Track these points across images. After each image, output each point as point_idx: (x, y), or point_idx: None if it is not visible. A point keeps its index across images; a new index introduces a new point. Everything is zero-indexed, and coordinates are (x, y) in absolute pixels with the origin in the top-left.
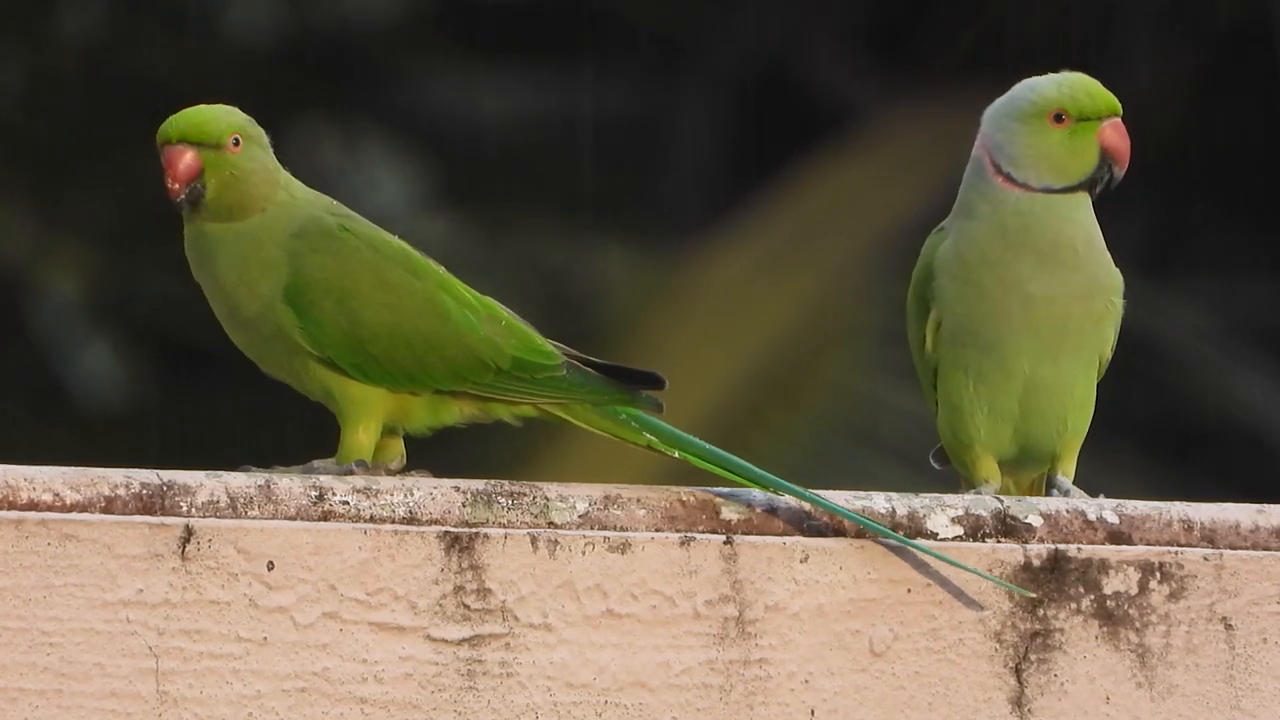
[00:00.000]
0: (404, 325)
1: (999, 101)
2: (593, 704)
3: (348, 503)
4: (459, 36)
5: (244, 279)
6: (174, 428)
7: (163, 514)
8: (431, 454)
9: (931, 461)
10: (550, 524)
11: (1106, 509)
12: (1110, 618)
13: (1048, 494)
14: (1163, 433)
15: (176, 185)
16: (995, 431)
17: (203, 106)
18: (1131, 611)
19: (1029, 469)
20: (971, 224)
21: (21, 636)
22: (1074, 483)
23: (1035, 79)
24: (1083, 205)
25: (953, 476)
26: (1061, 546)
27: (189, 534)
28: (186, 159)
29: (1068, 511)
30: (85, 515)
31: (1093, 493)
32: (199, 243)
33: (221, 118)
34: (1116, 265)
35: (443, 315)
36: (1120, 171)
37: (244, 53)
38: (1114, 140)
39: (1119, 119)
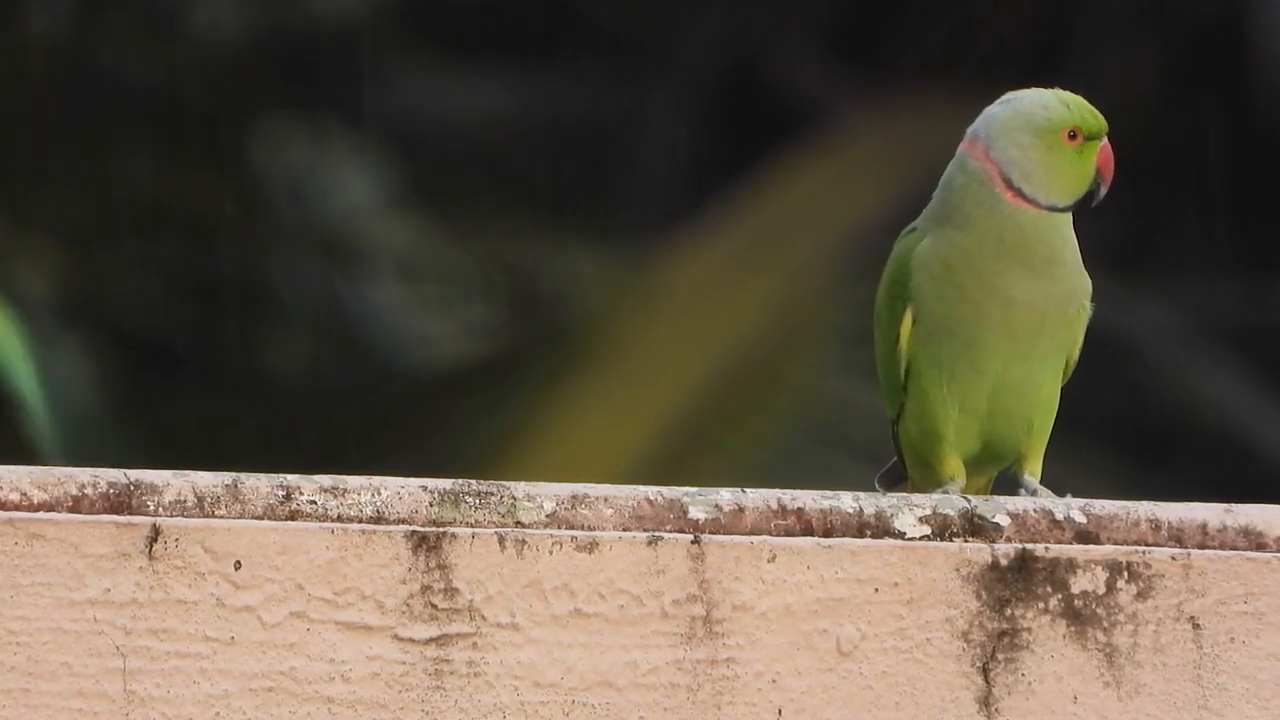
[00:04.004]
0: None
1: (1004, 114)
2: (560, 703)
3: (315, 502)
4: (428, 36)
5: None
6: (143, 427)
7: (130, 513)
8: (404, 453)
9: (876, 485)
10: (518, 523)
11: (1074, 508)
12: (1078, 617)
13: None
14: (1130, 432)
15: None
16: (963, 428)
17: None
18: (1099, 611)
19: (989, 467)
20: (963, 234)
21: None
22: (1041, 482)
23: (1033, 93)
24: (1069, 220)
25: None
26: (1029, 546)
27: (156, 533)
28: None
29: (1035, 511)
30: (52, 514)
31: (1060, 492)
32: None
33: None
34: (1085, 265)
35: None
36: (1104, 191)
37: (212, 52)
38: (1108, 161)
39: (1106, 139)
